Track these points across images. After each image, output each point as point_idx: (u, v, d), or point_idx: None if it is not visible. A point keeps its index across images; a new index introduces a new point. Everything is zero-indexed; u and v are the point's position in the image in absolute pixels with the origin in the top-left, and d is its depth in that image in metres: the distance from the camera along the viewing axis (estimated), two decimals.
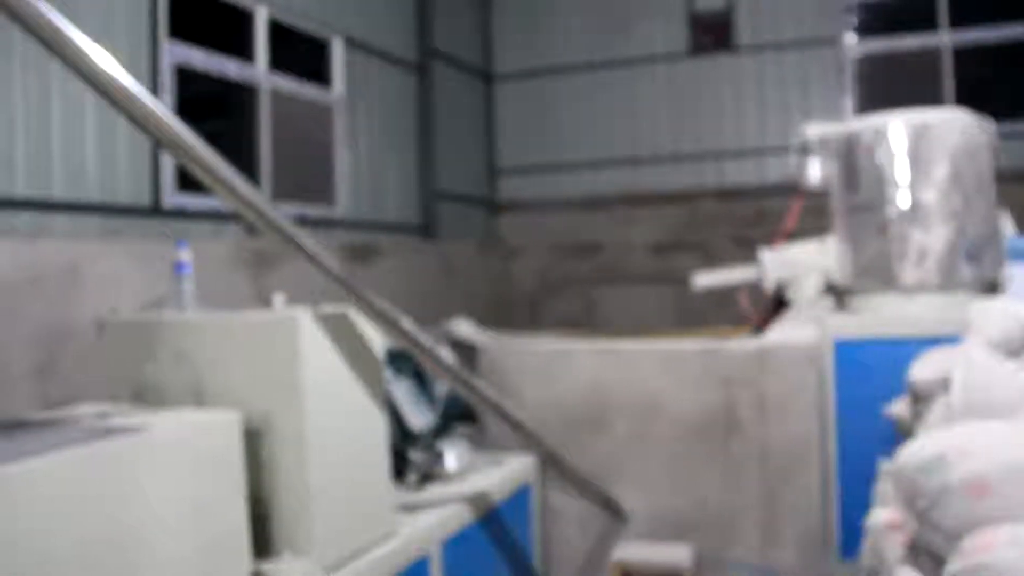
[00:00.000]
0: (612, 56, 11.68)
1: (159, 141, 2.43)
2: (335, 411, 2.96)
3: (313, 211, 8.14)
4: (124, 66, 2.28)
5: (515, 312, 11.69)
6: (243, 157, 7.27)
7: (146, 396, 3.06)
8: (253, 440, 2.80)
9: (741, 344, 4.94)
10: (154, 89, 6.26)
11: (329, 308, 2.98)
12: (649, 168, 11.49)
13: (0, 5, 2.03)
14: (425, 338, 3.21)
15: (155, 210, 6.30)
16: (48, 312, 5.35)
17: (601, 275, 11.55)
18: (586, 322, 10.97)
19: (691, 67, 11.41)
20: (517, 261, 12.04)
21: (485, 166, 11.96)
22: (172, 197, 6.42)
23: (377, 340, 3.19)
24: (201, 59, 6.73)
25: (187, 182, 6.52)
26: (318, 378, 2.86)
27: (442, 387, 4.40)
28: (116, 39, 5.93)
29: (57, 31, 2.15)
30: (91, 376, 5.15)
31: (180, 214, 6.50)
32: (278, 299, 3.17)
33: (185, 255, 3.28)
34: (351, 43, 8.82)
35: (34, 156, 5.48)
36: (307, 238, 2.84)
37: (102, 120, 5.88)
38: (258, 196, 2.71)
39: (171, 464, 2.40)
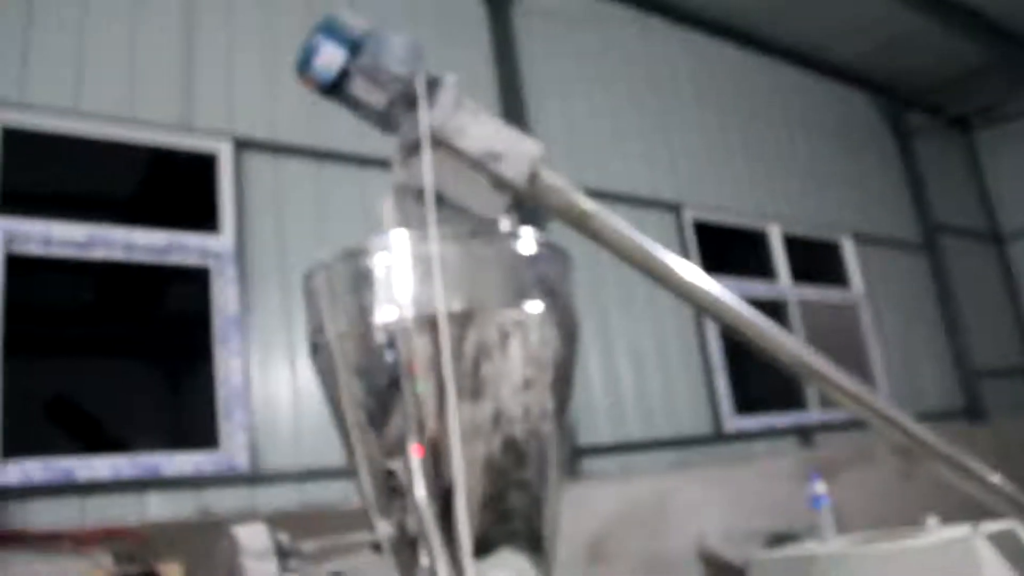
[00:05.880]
0: None
1: (781, 361, 2.58)
2: None
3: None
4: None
5: None
6: None
7: None
8: None
9: None
10: (700, 328, 6.77)
11: (993, 525, 2.89)
12: None
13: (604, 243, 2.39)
14: None
15: (717, 436, 6.64)
16: (644, 543, 5.75)
17: None
18: None
19: None
20: None
21: (1020, 331, 11.05)
22: (731, 421, 6.74)
23: None
24: (734, 286, 7.14)
25: (742, 405, 6.82)
26: None
27: None
28: None
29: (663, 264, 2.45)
30: None
31: (739, 436, 6.77)
32: (932, 520, 3.14)
33: (820, 487, 3.40)
34: (859, 239, 8.87)
35: (614, 407, 6.12)
36: (946, 446, 2.80)
37: (662, 366, 6.47)
38: (886, 404, 2.76)
39: None
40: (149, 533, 3.95)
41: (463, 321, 2.04)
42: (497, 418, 2.08)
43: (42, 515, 3.95)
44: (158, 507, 4.26)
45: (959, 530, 2.83)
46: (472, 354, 2.06)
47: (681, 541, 5.90)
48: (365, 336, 2.11)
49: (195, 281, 5.05)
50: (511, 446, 2.09)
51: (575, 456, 5.77)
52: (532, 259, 2.19)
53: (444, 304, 1.97)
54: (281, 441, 4.74)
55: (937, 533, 3.02)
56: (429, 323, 2.01)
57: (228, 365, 4.71)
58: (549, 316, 2.17)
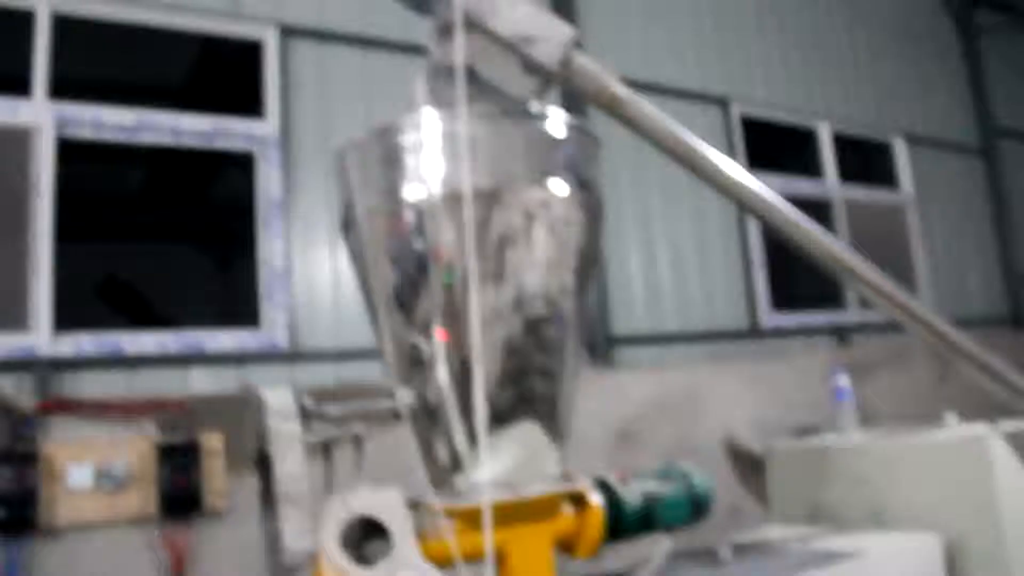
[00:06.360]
0: None
1: (815, 257, 2.60)
2: None
3: None
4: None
5: None
6: None
7: (820, 518, 3.22)
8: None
9: None
10: (741, 223, 6.73)
11: (1011, 424, 2.92)
12: None
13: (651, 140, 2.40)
14: None
15: (752, 331, 6.66)
16: (674, 432, 5.85)
17: None
18: None
19: None
20: None
21: None
22: (768, 317, 6.75)
23: None
24: (779, 184, 7.07)
25: (780, 302, 6.83)
26: (1012, 499, 2.80)
27: None
28: None
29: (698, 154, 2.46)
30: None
31: (775, 333, 6.79)
32: (951, 417, 3.17)
33: (843, 381, 3.44)
34: (911, 140, 8.67)
35: (651, 298, 6.16)
36: (974, 347, 2.81)
37: (701, 259, 6.47)
38: (919, 306, 2.77)
39: None
40: (192, 405, 4.12)
41: (489, 200, 2.08)
42: (519, 294, 2.13)
43: (93, 386, 4.13)
44: (201, 381, 4.42)
45: (976, 428, 2.86)
46: (497, 234, 2.10)
47: (710, 431, 5.99)
48: (394, 212, 2.16)
49: (240, 166, 5.12)
50: (532, 326, 2.15)
51: (610, 345, 5.84)
52: (560, 141, 2.21)
53: (470, 179, 2.01)
54: (320, 322, 4.86)
55: (953, 429, 3.05)
56: (456, 200, 2.05)
57: (271, 248, 4.81)
58: (574, 197, 2.20)
